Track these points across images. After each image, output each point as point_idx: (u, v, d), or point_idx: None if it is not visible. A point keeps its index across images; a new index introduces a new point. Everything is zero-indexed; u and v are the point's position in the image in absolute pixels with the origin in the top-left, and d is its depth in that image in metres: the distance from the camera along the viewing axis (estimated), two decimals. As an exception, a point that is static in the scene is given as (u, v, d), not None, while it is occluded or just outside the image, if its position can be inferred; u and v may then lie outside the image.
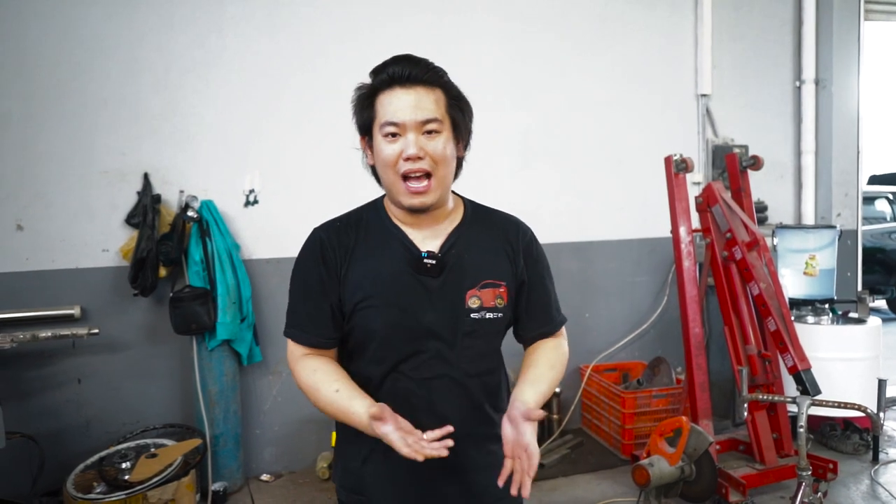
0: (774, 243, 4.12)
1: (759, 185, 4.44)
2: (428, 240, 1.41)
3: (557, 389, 4.04)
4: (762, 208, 4.59)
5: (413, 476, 1.37)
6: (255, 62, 3.56)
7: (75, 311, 3.24)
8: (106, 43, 3.31)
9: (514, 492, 1.25)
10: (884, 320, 4.26)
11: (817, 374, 3.07)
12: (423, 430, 1.28)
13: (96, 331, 3.18)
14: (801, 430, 2.59)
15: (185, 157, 3.46)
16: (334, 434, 1.52)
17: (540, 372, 1.42)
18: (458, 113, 1.39)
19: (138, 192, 3.36)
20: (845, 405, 2.59)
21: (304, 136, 3.64)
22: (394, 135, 1.32)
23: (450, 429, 1.23)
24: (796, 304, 4.02)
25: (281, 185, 3.61)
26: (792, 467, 3.12)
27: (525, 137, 4.11)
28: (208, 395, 3.32)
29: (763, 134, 4.67)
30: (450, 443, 1.21)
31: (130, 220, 3.34)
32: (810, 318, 3.93)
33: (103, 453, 3.01)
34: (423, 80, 1.34)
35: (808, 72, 4.70)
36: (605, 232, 4.33)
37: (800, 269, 4.10)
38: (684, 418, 2.90)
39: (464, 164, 1.46)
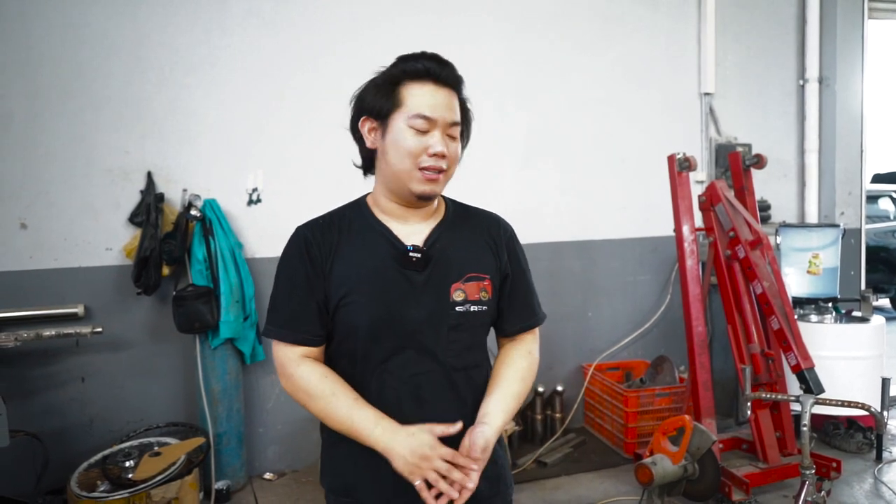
0: (778, 242, 4.12)
1: (763, 184, 4.44)
2: (412, 236, 1.42)
3: (560, 388, 4.04)
4: (765, 207, 4.58)
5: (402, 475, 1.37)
6: (259, 61, 3.56)
7: (79, 309, 3.25)
8: (109, 42, 3.32)
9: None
10: (887, 319, 4.24)
11: (821, 373, 3.07)
12: (409, 426, 1.34)
13: (100, 329, 3.18)
14: (805, 428, 2.59)
15: (189, 156, 3.46)
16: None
17: (509, 386, 1.44)
18: (466, 121, 1.44)
19: (141, 191, 3.37)
20: (849, 404, 2.58)
21: (307, 134, 3.64)
22: (422, 129, 1.33)
23: (459, 426, 1.30)
24: (799, 302, 4.01)
25: (284, 183, 3.62)
26: (795, 466, 3.12)
27: (527, 137, 4.11)
28: (211, 393, 3.33)
29: (766, 132, 4.67)
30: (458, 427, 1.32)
31: (134, 218, 3.34)
32: (813, 317, 3.92)
33: (107, 452, 3.02)
34: (451, 83, 1.37)
35: (812, 70, 4.69)
36: (607, 231, 4.32)
37: (803, 267, 4.10)
38: (687, 417, 2.90)
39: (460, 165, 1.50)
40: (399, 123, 1.34)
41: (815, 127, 4.73)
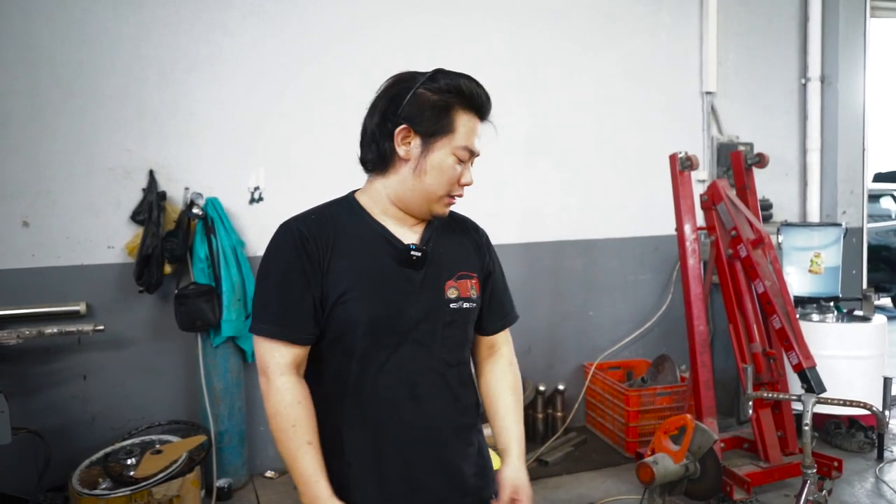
0: (779, 241, 4.11)
1: (765, 183, 4.43)
2: (407, 236, 1.44)
3: (561, 387, 4.05)
4: (767, 206, 4.57)
5: (398, 472, 1.38)
6: (261, 59, 3.56)
7: (81, 307, 3.25)
8: (111, 40, 3.32)
9: None
10: (889, 318, 4.24)
11: (822, 372, 3.07)
12: (407, 423, 1.37)
13: (101, 327, 3.18)
14: (806, 427, 2.59)
15: (191, 154, 3.46)
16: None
17: (518, 433, 1.54)
18: None
19: (143, 189, 3.37)
20: (850, 403, 2.58)
21: (310, 133, 3.65)
22: (462, 159, 1.39)
23: None
24: (801, 301, 4.01)
25: (286, 182, 3.62)
26: (796, 465, 3.11)
27: (529, 136, 4.11)
28: (213, 391, 3.34)
29: (768, 131, 4.67)
30: None
31: (136, 216, 3.35)
32: (815, 316, 3.92)
33: (108, 449, 3.02)
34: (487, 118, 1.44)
35: (814, 69, 4.69)
36: (609, 230, 4.32)
37: (805, 266, 4.09)
38: (689, 416, 2.90)
39: None
40: (446, 149, 1.37)
41: (816, 126, 4.72)
